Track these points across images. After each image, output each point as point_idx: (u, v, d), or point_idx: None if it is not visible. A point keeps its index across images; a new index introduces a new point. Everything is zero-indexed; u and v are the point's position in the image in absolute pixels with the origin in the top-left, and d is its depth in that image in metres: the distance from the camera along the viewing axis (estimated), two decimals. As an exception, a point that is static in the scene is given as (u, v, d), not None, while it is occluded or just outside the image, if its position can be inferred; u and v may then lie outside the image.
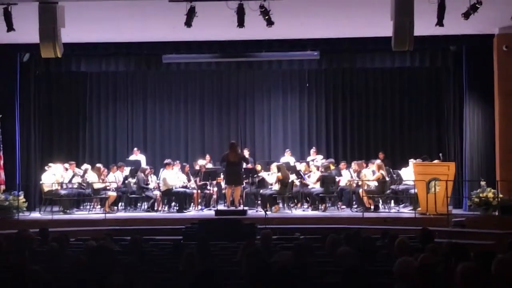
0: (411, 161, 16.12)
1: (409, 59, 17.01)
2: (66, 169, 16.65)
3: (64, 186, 16.15)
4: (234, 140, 17.07)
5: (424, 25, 12.56)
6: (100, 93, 20.03)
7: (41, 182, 16.14)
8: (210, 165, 17.50)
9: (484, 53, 15.98)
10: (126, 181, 16.66)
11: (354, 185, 16.32)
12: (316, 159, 17.69)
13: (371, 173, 15.92)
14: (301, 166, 16.88)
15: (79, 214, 15.95)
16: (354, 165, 17.03)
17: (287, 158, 17.97)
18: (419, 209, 14.69)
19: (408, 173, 15.94)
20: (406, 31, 11.94)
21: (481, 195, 14.74)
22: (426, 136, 19.05)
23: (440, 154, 16.67)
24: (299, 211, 16.06)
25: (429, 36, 15.08)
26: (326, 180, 15.76)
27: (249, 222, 13.63)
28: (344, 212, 15.83)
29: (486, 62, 15.92)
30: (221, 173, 16.40)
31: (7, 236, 9.94)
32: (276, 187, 15.77)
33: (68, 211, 15.83)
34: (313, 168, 16.70)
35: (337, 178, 16.42)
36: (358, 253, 7.58)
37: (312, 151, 18.36)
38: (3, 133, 16.42)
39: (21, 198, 15.51)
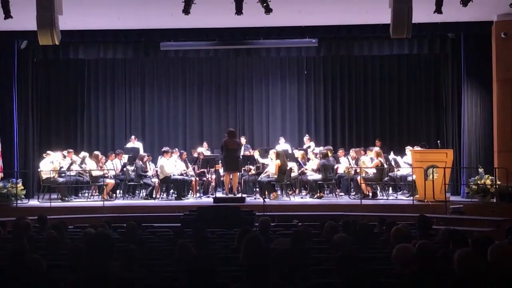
0: (408, 149, 16.12)
1: (407, 46, 16.97)
2: (64, 157, 16.63)
3: (63, 174, 16.13)
4: (233, 127, 17.08)
5: (423, 12, 12.56)
6: (98, 81, 19.95)
7: (39, 170, 16.12)
8: (208, 152, 17.49)
9: (482, 40, 15.96)
10: (125, 169, 16.62)
11: (352, 172, 16.34)
12: (310, 146, 17.71)
13: (369, 160, 15.92)
14: (298, 154, 16.87)
15: (77, 202, 15.92)
16: (352, 152, 17.07)
17: (282, 145, 17.92)
18: (417, 196, 14.70)
19: (407, 161, 15.94)
20: (404, 18, 11.92)
21: (479, 182, 14.79)
22: (424, 124, 19.04)
23: (438, 141, 16.69)
24: (297, 198, 16.07)
25: (428, 23, 15.12)
26: (325, 167, 15.75)
27: (247, 209, 13.62)
28: (342, 199, 15.83)
29: (485, 49, 15.91)
30: (219, 161, 16.39)
31: (5, 224, 9.98)
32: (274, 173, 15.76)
33: (66, 198, 15.81)
34: (311, 155, 16.68)
35: (335, 165, 16.43)
36: (354, 240, 7.62)
37: (306, 138, 18.32)
38: (1, 121, 16.41)
39: (19, 185, 15.52)
